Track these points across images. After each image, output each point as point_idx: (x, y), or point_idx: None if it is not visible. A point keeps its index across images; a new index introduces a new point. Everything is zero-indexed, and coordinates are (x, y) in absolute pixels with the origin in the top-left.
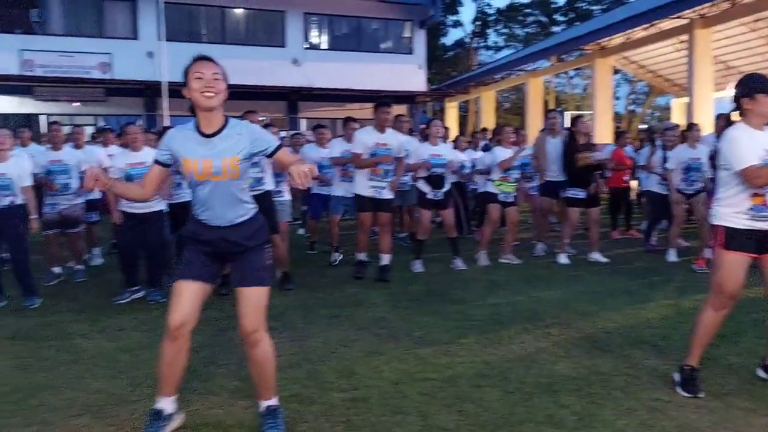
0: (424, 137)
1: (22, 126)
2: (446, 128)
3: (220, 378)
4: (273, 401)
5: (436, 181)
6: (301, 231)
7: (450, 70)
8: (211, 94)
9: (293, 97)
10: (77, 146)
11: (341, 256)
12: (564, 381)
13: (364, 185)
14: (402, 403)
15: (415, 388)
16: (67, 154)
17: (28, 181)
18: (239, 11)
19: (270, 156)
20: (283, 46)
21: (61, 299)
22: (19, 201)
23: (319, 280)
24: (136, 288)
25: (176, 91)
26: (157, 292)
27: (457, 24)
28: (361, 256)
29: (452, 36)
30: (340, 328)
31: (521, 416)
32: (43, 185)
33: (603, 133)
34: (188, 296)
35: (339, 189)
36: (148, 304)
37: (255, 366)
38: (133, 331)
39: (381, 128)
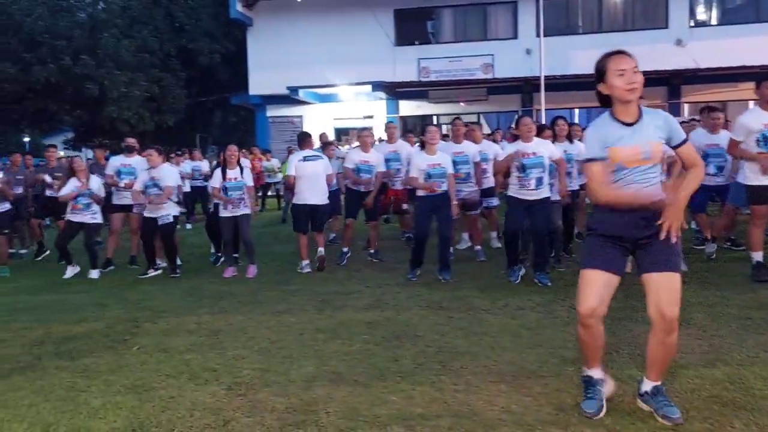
0: None
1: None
2: None
3: (621, 366)
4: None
5: None
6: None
7: None
8: (636, 88)
9: (675, 81)
10: (474, 141)
11: (715, 246)
12: None
13: (756, 174)
14: None
15: None
16: (466, 146)
17: (452, 170)
18: None
19: (675, 148)
20: (665, 27)
21: (465, 276)
22: (446, 188)
23: (721, 278)
24: (518, 266)
25: (552, 85)
26: (543, 275)
27: None
28: (757, 256)
29: None
30: (757, 332)
31: None
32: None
33: None
34: (596, 285)
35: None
36: (541, 287)
37: (662, 350)
38: (531, 311)
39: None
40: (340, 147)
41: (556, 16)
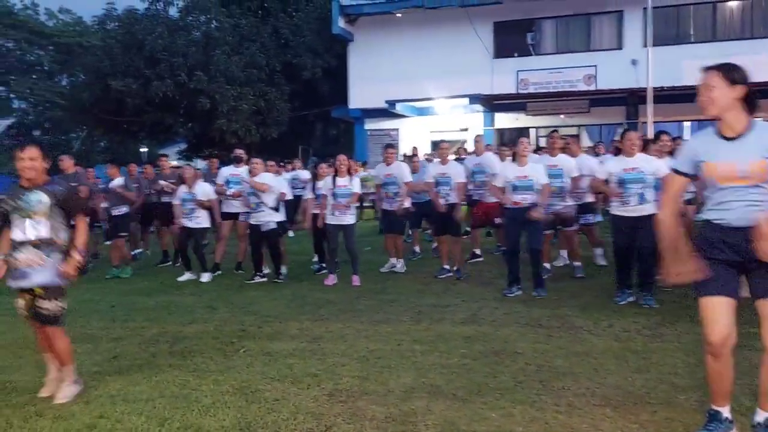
0: None
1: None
2: None
3: (737, 396)
4: None
5: None
6: None
7: None
8: (703, 104)
9: None
10: (572, 154)
11: None
12: None
13: None
14: None
15: None
16: (561, 160)
17: (545, 180)
18: (733, 4)
19: None
20: None
21: (564, 294)
22: (533, 200)
23: None
24: (630, 291)
25: (660, 97)
26: (650, 297)
27: None
28: None
29: None
30: None
31: None
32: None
33: None
34: (721, 312)
35: None
36: (648, 309)
37: None
38: (637, 334)
39: None
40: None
41: (666, 25)
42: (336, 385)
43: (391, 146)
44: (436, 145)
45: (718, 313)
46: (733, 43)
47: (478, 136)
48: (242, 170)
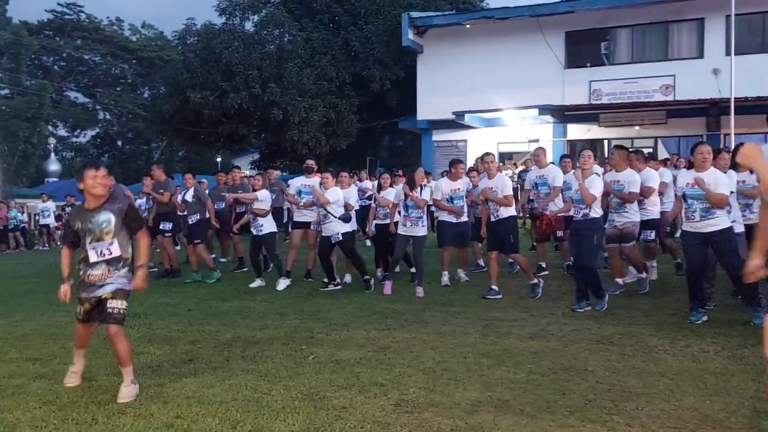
0: None
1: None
2: None
3: None
4: None
5: None
6: None
7: None
8: None
9: None
10: (636, 169)
11: None
12: None
13: None
14: None
15: None
16: (624, 175)
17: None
18: None
19: None
20: None
21: (637, 312)
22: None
23: None
24: (706, 309)
25: (744, 107)
26: (759, 315)
27: None
28: None
29: None
30: None
31: None
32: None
33: None
34: None
35: None
36: (728, 329)
37: None
38: (716, 355)
39: None
40: (505, 171)
41: (749, 33)
42: (402, 395)
43: (459, 161)
44: (504, 156)
45: None
46: None
47: (538, 149)
48: (313, 180)
